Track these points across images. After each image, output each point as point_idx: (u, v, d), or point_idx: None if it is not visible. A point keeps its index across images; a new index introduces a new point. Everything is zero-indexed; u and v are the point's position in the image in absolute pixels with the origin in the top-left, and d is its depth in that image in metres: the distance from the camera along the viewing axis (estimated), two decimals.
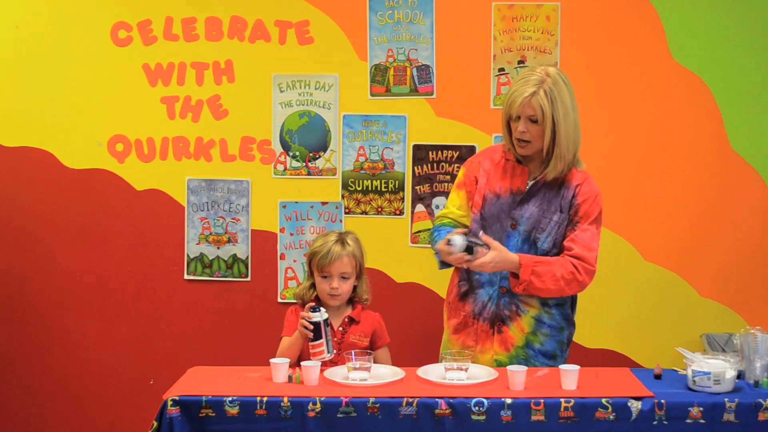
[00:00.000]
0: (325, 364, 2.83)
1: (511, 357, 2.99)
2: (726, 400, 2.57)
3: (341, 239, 3.07)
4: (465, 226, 3.10)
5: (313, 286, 3.09)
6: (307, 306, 2.91)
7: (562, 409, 2.55)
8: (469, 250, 2.85)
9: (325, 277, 3.03)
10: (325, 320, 2.84)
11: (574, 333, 3.12)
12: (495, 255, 2.86)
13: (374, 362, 2.81)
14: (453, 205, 3.14)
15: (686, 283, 3.91)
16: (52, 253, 4.04)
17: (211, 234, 4.03)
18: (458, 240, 2.85)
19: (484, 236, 2.90)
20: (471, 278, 3.05)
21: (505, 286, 3.00)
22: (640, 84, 3.87)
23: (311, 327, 2.82)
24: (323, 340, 2.83)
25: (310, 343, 2.84)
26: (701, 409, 2.56)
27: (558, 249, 3.00)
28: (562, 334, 3.05)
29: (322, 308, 2.86)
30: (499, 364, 2.92)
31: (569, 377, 2.64)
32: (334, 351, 2.90)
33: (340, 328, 3.05)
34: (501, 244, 2.97)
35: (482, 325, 3.03)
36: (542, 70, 2.91)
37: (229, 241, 4.02)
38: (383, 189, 3.98)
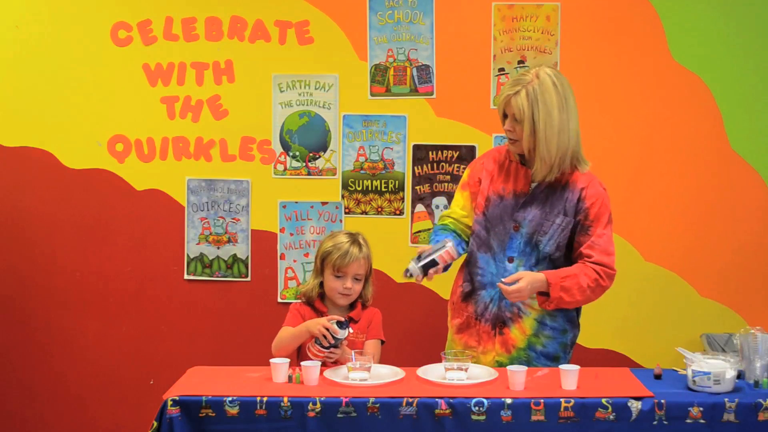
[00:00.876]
0: (325, 365, 2.84)
1: (513, 358, 2.99)
2: (726, 400, 2.57)
3: (356, 240, 3.09)
4: (467, 226, 3.10)
5: (320, 284, 3.09)
6: (332, 317, 2.90)
7: (562, 409, 2.55)
8: (429, 265, 2.89)
9: (340, 276, 3.04)
10: (345, 337, 2.88)
11: (578, 335, 3.12)
12: (528, 280, 2.86)
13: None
14: (457, 205, 3.15)
15: (686, 283, 3.91)
16: (52, 253, 4.04)
17: (211, 234, 4.03)
18: (413, 268, 2.89)
19: (505, 279, 2.88)
20: (474, 279, 3.05)
21: None
22: (640, 84, 3.87)
23: (332, 341, 2.84)
24: (330, 351, 2.87)
25: (317, 346, 2.86)
26: (701, 409, 2.56)
27: (561, 252, 2.99)
28: (566, 336, 3.05)
29: (350, 328, 2.88)
30: (501, 366, 2.91)
31: (569, 377, 2.64)
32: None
33: None
34: (504, 246, 2.99)
35: (484, 326, 3.03)
36: (534, 72, 2.93)
37: (229, 241, 4.02)
38: (383, 189, 3.98)
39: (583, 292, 2.92)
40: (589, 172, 3.02)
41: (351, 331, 2.90)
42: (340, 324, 2.84)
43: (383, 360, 3.03)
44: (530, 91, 2.88)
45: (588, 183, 2.99)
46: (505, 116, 2.96)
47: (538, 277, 2.90)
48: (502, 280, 2.90)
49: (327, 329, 2.83)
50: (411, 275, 2.90)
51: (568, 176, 2.99)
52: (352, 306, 3.10)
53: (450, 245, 2.91)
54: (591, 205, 2.97)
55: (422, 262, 2.89)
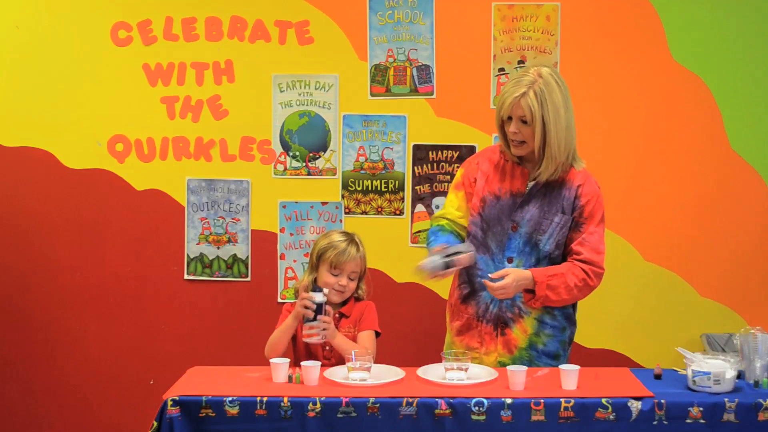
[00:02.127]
0: (325, 365, 2.84)
1: (515, 359, 2.99)
2: (726, 400, 2.57)
3: (353, 240, 3.11)
4: (463, 227, 3.09)
5: (314, 281, 3.10)
6: (306, 286, 2.96)
7: (562, 409, 2.55)
8: (447, 265, 2.86)
9: (336, 274, 3.06)
10: (325, 302, 2.90)
11: (575, 332, 3.13)
12: (514, 276, 2.86)
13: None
14: (451, 206, 3.13)
15: (686, 283, 3.91)
16: (52, 253, 4.04)
17: (211, 234, 4.03)
18: (430, 263, 2.85)
19: (492, 275, 2.89)
20: (472, 281, 3.04)
21: None
22: (640, 84, 3.87)
23: (313, 307, 2.86)
24: (319, 322, 2.88)
25: (307, 325, 2.88)
26: (701, 409, 2.56)
27: (561, 250, 2.99)
28: (565, 333, 3.05)
29: (324, 289, 2.92)
30: (503, 366, 2.90)
31: (569, 377, 2.64)
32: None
33: None
34: (502, 246, 2.99)
35: (486, 327, 3.02)
36: (535, 71, 2.90)
37: (229, 241, 4.02)
38: (383, 189, 3.98)
39: (570, 291, 2.92)
40: (584, 170, 3.02)
41: (326, 291, 2.92)
42: (313, 289, 2.90)
43: (382, 358, 3.03)
44: (538, 91, 2.86)
45: (584, 180, 2.99)
46: (508, 119, 2.94)
47: (524, 274, 2.90)
48: (489, 275, 2.90)
49: (305, 300, 2.88)
50: (429, 270, 2.85)
51: (565, 174, 2.98)
52: (344, 302, 3.11)
53: (471, 251, 2.89)
54: (586, 203, 2.97)
55: (444, 260, 2.85)
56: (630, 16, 3.85)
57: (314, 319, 2.88)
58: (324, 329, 2.89)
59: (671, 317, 3.90)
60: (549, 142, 2.88)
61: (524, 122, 2.89)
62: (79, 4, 3.98)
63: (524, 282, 2.90)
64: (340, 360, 2.95)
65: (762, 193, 3.87)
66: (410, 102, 3.94)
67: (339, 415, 2.56)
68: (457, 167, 3.88)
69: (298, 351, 3.05)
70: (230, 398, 2.57)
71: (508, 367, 2.69)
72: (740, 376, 2.75)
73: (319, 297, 2.88)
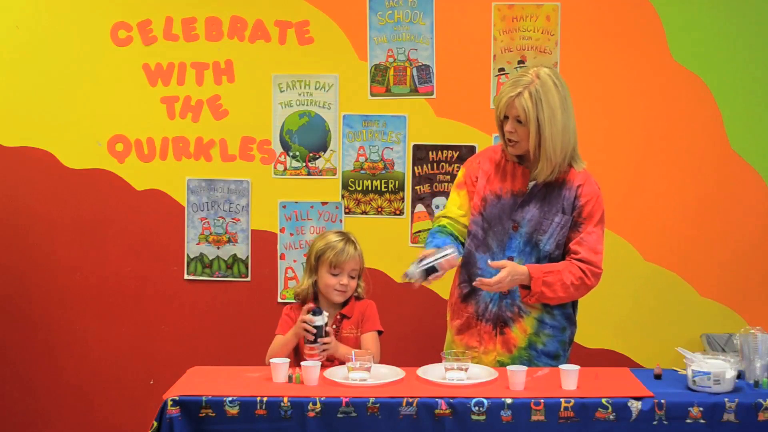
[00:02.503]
0: (325, 365, 2.84)
1: (514, 358, 2.99)
2: (726, 400, 2.57)
3: (349, 239, 3.11)
4: (465, 226, 3.09)
5: (313, 284, 3.10)
6: (306, 308, 2.94)
7: (562, 409, 2.55)
8: (430, 271, 2.85)
9: (336, 274, 3.05)
10: (326, 323, 2.89)
11: (575, 332, 3.13)
12: (509, 270, 2.86)
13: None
14: (453, 204, 3.14)
15: (686, 283, 3.91)
16: (52, 253, 4.04)
17: (211, 234, 4.03)
18: (413, 272, 2.86)
19: (491, 262, 2.90)
20: (473, 280, 3.03)
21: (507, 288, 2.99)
22: (640, 84, 3.87)
23: (314, 331, 2.86)
24: (320, 344, 2.88)
25: (308, 345, 2.88)
26: (701, 409, 2.56)
27: (561, 250, 2.99)
28: (565, 334, 3.05)
29: (324, 312, 2.90)
30: (502, 365, 2.90)
31: (569, 377, 2.64)
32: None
33: (334, 326, 3.06)
34: (503, 246, 2.99)
35: (485, 326, 3.03)
36: (534, 72, 2.91)
37: (229, 241, 4.02)
38: (383, 189, 3.98)
39: (566, 288, 2.92)
40: (584, 171, 3.02)
41: (326, 313, 2.92)
42: (313, 312, 2.89)
43: (382, 358, 3.03)
44: (533, 91, 2.86)
45: (584, 181, 2.99)
46: (505, 118, 2.95)
47: (520, 269, 2.90)
48: (490, 263, 2.90)
49: (306, 323, 2.87)
50: (410, 278, 2.88)
51: (565, 174, 2.98)
52: (345, 302, 3.11)
53: (453, 253, 2.89)
54: (585, 203, 2.97)
55: (422, 267, 2.86)
56: (630, 16, 3.85)
57: (315, 341, 2.88)
58: (324, 350, 2.89)
59: (671, 317, 3.90)
60: (544, 143, 2.88)
61: (519, 122, 2.90)
62: (79, 4, 3.98)
63: (520, 277, 2.90)
64: (342, 362, 2.95)
65: (762, 193, 3.87)
66: (410, 102, 3.94)
67: (339, 415, 2.56)
68: (458, 167, 3.89)
69: (300, 357, 3.04)
70: (230, 398, 2.57)
71: (508, 367, 2.69)
72: (740, 376, 2.75)
73: (319, 320, 2.87)
